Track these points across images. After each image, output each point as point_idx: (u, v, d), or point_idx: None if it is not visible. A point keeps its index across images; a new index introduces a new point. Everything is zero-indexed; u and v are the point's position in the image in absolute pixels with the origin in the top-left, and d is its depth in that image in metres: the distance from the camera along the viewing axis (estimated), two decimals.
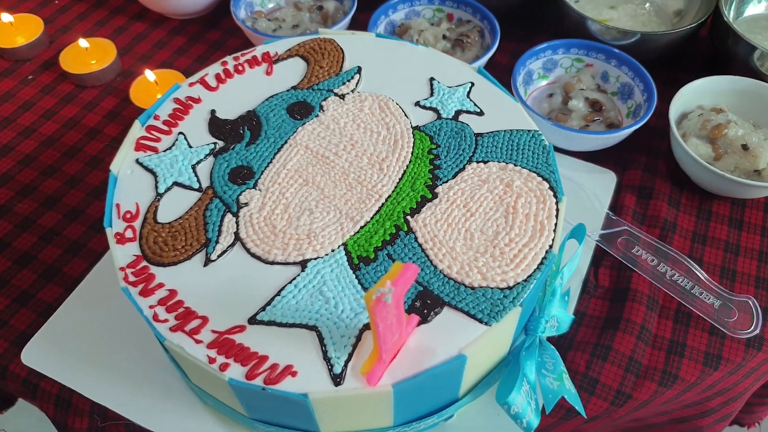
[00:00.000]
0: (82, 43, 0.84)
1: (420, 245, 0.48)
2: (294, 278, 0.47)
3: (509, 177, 0.51)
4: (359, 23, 0.86)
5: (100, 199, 0.72)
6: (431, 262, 0.47)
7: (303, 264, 0.47)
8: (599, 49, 0.79)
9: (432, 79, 0.60)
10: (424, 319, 0.44)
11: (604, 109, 0.76)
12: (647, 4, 0.89)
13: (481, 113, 0.57)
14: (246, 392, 0.43)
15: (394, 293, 0.34)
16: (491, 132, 0.55)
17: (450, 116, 0.56)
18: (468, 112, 0.57)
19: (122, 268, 0.48)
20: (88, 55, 0.85)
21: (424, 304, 0.45)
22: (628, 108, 0.77)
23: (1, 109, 0.81)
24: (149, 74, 0.80)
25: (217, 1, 0.93)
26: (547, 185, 0.51)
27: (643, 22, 0.87)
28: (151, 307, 0.46)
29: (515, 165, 0.52)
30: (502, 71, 0.82)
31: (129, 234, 0.50)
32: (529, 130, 0.55)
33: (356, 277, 0.46)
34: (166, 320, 0.45)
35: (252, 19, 0.87)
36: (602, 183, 0.71)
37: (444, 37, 0.82)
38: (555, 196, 0.50)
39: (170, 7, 0.91)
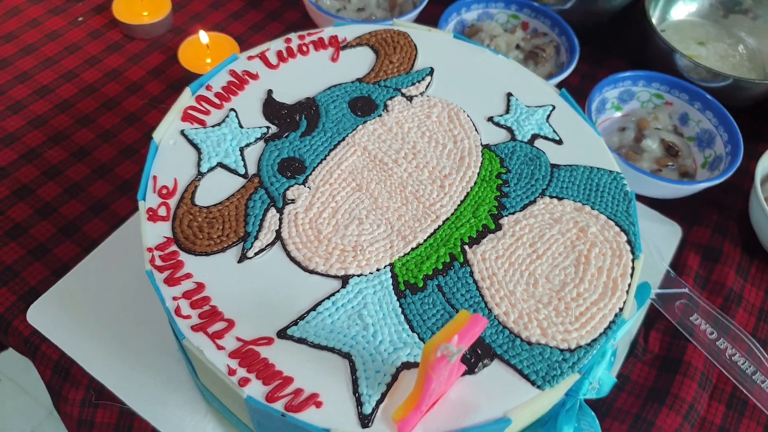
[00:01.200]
0: None
1: (475, 282, 0.43)
2: (333, 294, 0.42)
3: (585, 221, 0.46)
4: (428, 17, 0.80)
5: (131, 159, 0.68)
6: (486, 304, 0.42)
7: (345, 279, 0.43)
8: (684, 88, 0.73)
9: (510, 94, 0.55)
10: (470, 370, 0.39)
11: (680, 155, 0.70)
12: (740, 46, 0.82)
13: (559, 142, 0.52)
14: (262, 414, 0.39)
15: (463, 344, 0.30)
16: (569, 165, 0.50)
17: (525, 139, 0.51)
18: (546, 138, 0.52)
19: (150, 249, 0.43)
20: (142, 6, 0.80)
21: (474, 352, 0.40)
22: (705, 157, 0.71)
23: (47, 48, 0.77)
24: (203, 35, 0.75)
25: None
26: (625, 238, 0.46)
27: (733, 65, 0.81)
28: (174, 299, 0.41)
29: (592, 208, 0.47)
30: (570, 93, 0.76)
31: (162, 212, 0.45)
32: (610, 171, 0.50)
33: (400, 306, 0.42)
34: (188, 316, 0.41)
35: None
36: (666, 236, 0.65)
37: (518, 46, 0.77)
38: (632, 252, 0.45)
39: None
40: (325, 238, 0.45)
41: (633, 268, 0.44)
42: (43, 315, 0.56)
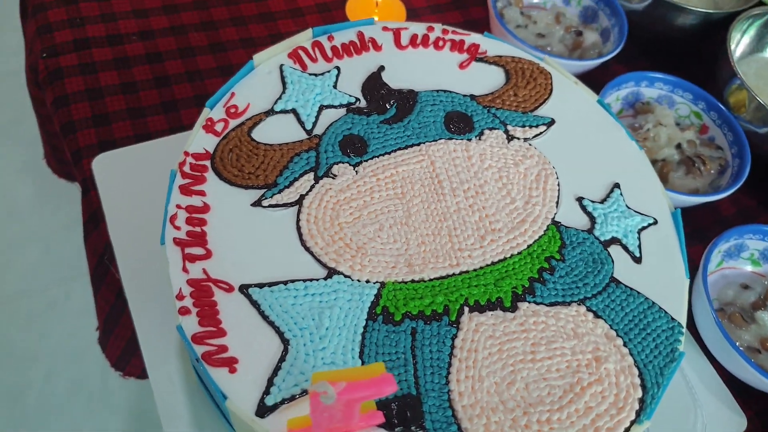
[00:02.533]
0: None
1: (452, 347, 0.39)
2: (311, 280, 0.40)
3: (607, 353, 0.40)
4: (605, 74, 0.73)
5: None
6: (448, 374, 0.38)
7: (331, 273, 0.41)
8: None
9: (617, 186, 0.48)
10: (389, 426, 0.35)
11: None
12: None
13: (638, 260, 0.45)
14: (187, 347, 0.38)
15: (340, 399, 0.27)
16: (631, 289, 0.43)
17: (602, 238, 0.45)
18: (625, 248, 0.45)
19: (187, 153, 0.44)
20: None
21: (402, 410, 0.36)
22: None
23: None
24: None
25: None
26: (640, 394, 0.38)
27: None
28: (177, 206, 0.42)
29: (625, 344, 0.40)
30: (697, 222, 0.66)
31: (219, 127, 0.46)
32: (673, 318, 0.42)
33: (364, 327, 0.39)
34: (179, 227, 0.41)
35: (507, 2, 0.78)
36: (725, 423, 0.55)
37: (678, 146, 0.67)
38: (638, 413, 0.38)
39: None
40: (339, 225, 0.42)
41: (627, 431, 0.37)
42: (107, 167, 0.59)
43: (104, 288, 0.63)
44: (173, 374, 0.46)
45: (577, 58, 0.75)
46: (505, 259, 0.43)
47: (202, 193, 0.43)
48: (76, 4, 0.72)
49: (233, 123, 0.46)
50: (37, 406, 1.06)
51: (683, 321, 0.42)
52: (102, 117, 0.64)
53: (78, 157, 0.62)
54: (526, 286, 0.42)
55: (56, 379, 1.09)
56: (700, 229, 0.67)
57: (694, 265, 0.57)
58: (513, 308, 0.41)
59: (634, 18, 0.76)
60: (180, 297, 0.38)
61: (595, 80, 0.67)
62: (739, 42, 0.75)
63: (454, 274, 0.42)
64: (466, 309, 0.40)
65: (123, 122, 0.64)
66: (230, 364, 0.36)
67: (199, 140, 0.45)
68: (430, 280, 0.41)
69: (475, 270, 0.42)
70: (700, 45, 0.79)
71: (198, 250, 0.40)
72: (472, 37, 0.55)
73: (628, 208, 0.47)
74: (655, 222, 0.46)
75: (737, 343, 0.57)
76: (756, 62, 0.77)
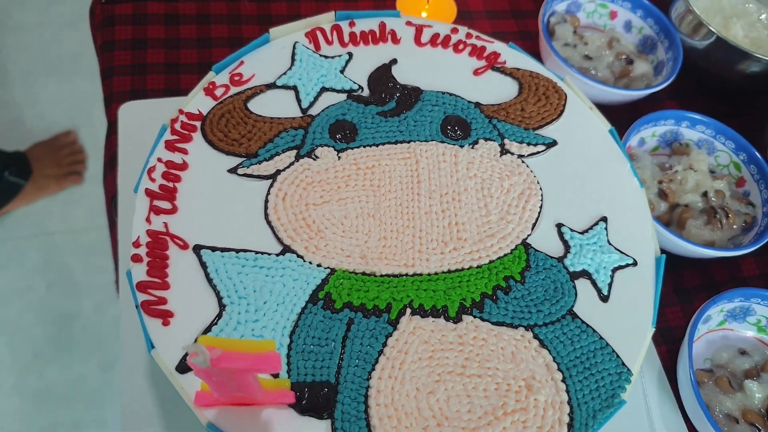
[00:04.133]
0: None
1: (384, 345, 0.39)
2: (264, 254, 0.41)
3: (543, 385, 0.38)
4: (654, 106, 0.70)
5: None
6: (371, 370, 0.38)
7: (285, 250, 0.41)
8: None
9: (604, 220, 0.46)
10: (299, 406, 0.36)
11: None
12: None
13: (604, 299, 0.43)
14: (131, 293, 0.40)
15: (216, 366, 0.27)
16: (586, 326, 0.41)
17: (572, 269, 0.43)
18: (594, 284, 0.43)
19: (181, 111, 0.46)
20: None
21: (314, 395, 0.36)
22: None
23: None
24: None
25: None
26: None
27: None
28: (159, 159, 0.44)
29: (564, 380, 0.39)
30: (711, 276, 0.63)
31: (219, 92, 0.47)
32: (624, 365, 0.40)
33: (302, 309, 0.39)
34: (153, 180, 0.43)
35: (561, 19, 0.76)
36: None
37: (704, 194, 0.64)
38: None
39: None
40: (306, 205, 0.43)
41: None
42: (128, 115, 0.62)
43: (114, 229, 0.67)
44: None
45: (623, 86, 0.72)
46: (462, 269, 0.42)
47: (184, 152, 0.44)
48: None
49: (234, 90, 0.47)
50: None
51: (635, 369, 0.40)
52: (140, 67, 0.67)
53: (110, 101, 0.65)
54: (477, 300, 0.41)
55: (104, 311, 1.16)
56: (714, 284, 0.64)
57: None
58: (456, 319, 0.40)
59: (694, 56, 0.72)
60: (136, 244, 0.40)
61: (643, 113, 0.65)
62: None
63: (406, 274, 0.41)
64: (408, 310, 0.40)
65: (158, 75, 0.67)
66: (165, 316, 0.38)
67: (197, 101, 0.47)
68: (381, 275, 0.41)
69: (429, 274, 0.41)
70: (761, 93, 0.74)
71: (165, 204, 0.42)
72: (495, 45, 0.54)
73: (609, 244, 0.45)
74: (635, 263, 0.44)
75: (717, 409, 0.54)
76: None
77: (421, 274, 0.41)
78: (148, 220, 0.41)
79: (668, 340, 0.59)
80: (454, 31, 0.54)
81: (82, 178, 1.32)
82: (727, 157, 0.68)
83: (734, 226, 0.62)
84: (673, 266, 0.63)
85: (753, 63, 0.69)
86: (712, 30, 0.68)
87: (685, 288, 0.63)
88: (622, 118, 0.68)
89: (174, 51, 0.70)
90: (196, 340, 0.28)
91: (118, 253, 0.52)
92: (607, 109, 0.68)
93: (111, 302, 1.17)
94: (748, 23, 0.79)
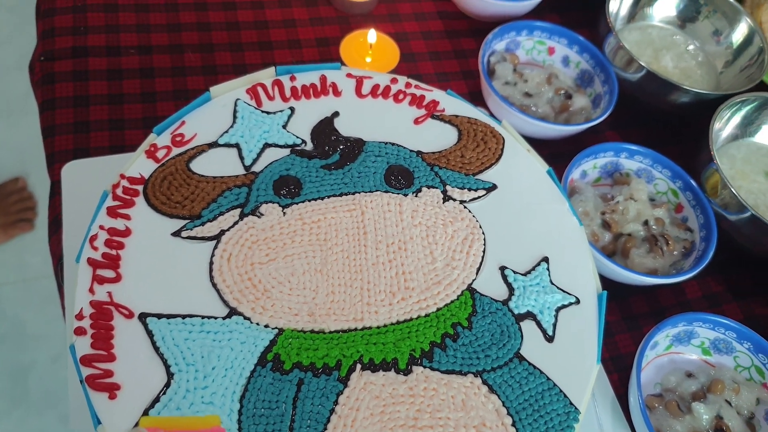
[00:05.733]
0: None
1: (335, 403, 0.39)
2: (210, 318, 0.41)
3: (492, 429, 0.39)
4: (596, 138, 0.73)
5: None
6: (323, 431, 0.38)
7: (231, 313, 0.41)
8: None
9: (545, 260, 0.47)
10: None
11: None
12: None
13: (550, 339, 0.44)
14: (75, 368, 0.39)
15: None
16: (534, 368, 0.42)
17: (517, 311, 0.44)
18: (539, 324, 0.44)
19: (123, 176, 0.46)
20: None
21: None
22: None
23: None
24: (371, 35, 0.76)
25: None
26: None
27: None
28: (101, 227, 0.43)
29: (513, 424, 0.40)
30: (658, 302, 0.65)
31: (160, 154, 0.47)
32: (574, 407, 0.41)
33: (251, 373, 0.39)
34: (96, 248, 0.42)
35: (501, 57, 0.78)
36: None
37: (646, 222, 0.66)
38: None
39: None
40: (251, 265, 0.43)
41: None
42: (71, 175, 0.61)
43: (62, 291, 0.65)
44: None
45: (563, 122, 0.74)
46: (411, 319, 0.43)
47: (127, 217, 0.44)
48: (83, 13, 0.76)
49: (176, 151, 0.48)
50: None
51: (582, 407, 0.41)
52: (83, 124, 0.67)
53: (52, 161, 0.65)
54: (426, 350, 0.42)
55: (61, 361, 1.12)
56: (661, 309, 0.66)
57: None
58: (407, 371, 0.41)
59: (629, 88, 0.75)
60: (80, 317, 0.39)
61: (585, 145, 0.67)
62: (729, 124, 0.74)
63: (356, 329, 0.42)
64: (359, 366, 0.40)
65: (102, 132, 0.67)
66: (112, 389, 0.37)
67: (139, 164, 0.46)
68: (330, 332, 0.41)
69: (378, 327, 0.42)
70: (696, 121, 0.78)
71: (109, 273, 0.41)
72: (434, 93, 0.56)
73: (552, 284, 0.46)
74: (578, 302, 0.46)
75: None
76: (746, 146, 0.76)
77: (370, 328, 0.42)
78: (91, 290, 0.40)
79: (620, 367, 0.61)
80: (394, 81, 0.55)
81: (32, 226, 1.29)
82: (665, 185, 0.71)
83: (675, 252, 0.65)
84: (621, 295, 0.65)
85: (682, 94, 0.73)
86: (642, 64, 0.71)
87: (633, 315, 0.65)
88: (564, 151, 0.71)
89: (118, 107, 0.69)
90: (137, 424, 0.28)
91: (66, 320, 0.51)
92: (549, 144, 0.71)
93: (68, 352, 1.13)
94: (677, 54, 0.83)
